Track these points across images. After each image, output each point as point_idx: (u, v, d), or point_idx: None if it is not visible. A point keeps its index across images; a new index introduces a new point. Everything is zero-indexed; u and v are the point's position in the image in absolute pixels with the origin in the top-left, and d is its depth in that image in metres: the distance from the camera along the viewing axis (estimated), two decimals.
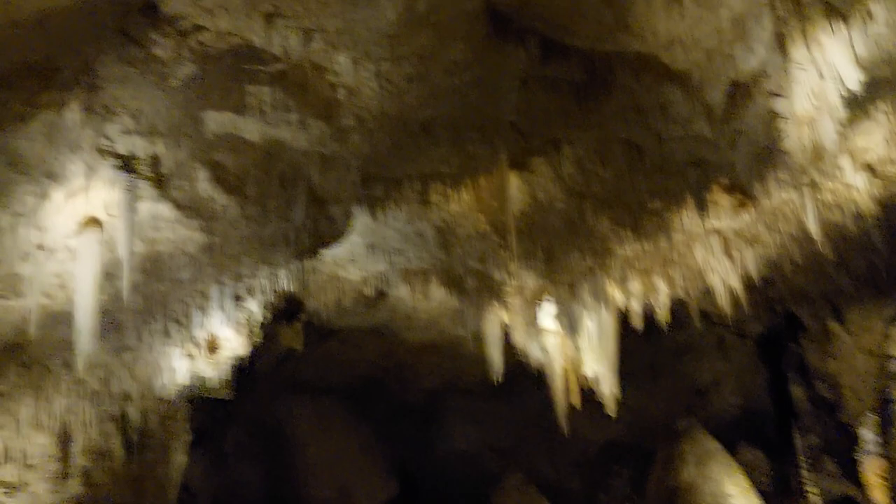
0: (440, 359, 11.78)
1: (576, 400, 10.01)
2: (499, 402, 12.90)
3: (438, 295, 9.70)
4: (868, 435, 9.82)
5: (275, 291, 7.25)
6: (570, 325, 9.64)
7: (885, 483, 7.19)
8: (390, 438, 12.80)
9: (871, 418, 8.93)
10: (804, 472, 10.44)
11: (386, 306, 10.14)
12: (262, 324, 7.80)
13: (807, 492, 10.26)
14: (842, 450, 11.98)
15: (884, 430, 7.41)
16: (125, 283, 5.56)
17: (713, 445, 5.64)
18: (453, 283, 9.27)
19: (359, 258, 8.21)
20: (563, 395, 10.04)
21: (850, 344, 12.12)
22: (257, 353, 8.42)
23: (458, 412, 13.34)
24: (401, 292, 9.47)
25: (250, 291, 6.97)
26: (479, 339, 10.12)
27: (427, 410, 13.10)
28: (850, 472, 11.36)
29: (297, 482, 11.42)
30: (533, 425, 12.81)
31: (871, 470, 9.37)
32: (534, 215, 8.14)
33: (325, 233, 6.64)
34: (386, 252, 8.19)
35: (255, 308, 7.30)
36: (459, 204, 7.56)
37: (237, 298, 6.89)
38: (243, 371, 8.51)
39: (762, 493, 12.13)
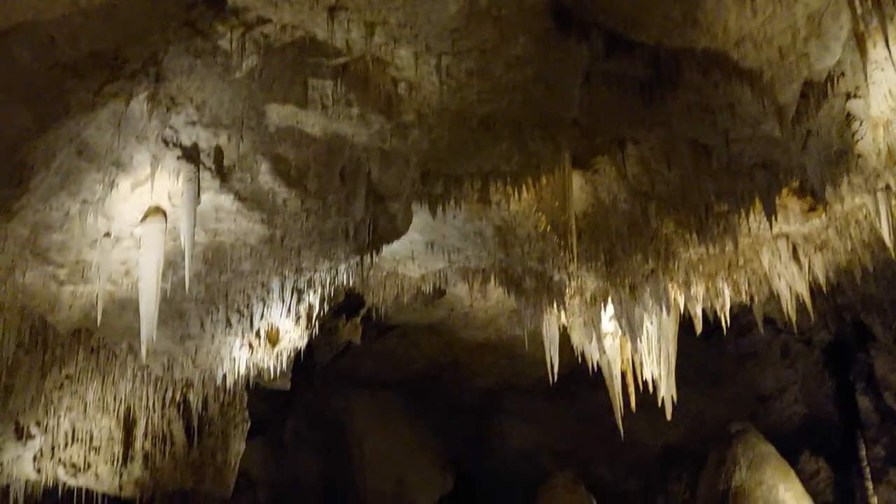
0: (497, 357, 11.76)
1: (633, 402, 9.86)
2: (556, 403, 12.80)
3: (496, 294, 9.69)
4: None
5: (334, 286, 7.30)
6: (630, 327, 9.48)
7: None
8: (447, 435, 12.82)
9: None
10: (869, 484, 10.12)
11: (444, 304, 10.16)
12: (322, 317, 7.86)
13: (870, 502, 9.94)
14: None
15: None
16: (187, 272, 5.66)
17: (767, 450, 5.47)
18: (512, 282, 9.23)
19: (418, 255, 8.23)
20: (620, 397, 9.91)
21: None
22: (317, 345, 8.51)
23: (515, 412, 13.28)
24: (459, 290, 9.48)
25: (310, 284, 7.04)
26: (536, 339, 10.04)
27: (483, 409, 13.08)
28: None
29: (353, 474, 11.52)
30: (590, 427, 12.68)
31: None
32: (596, 216, 8.04)
33: (385, 229, 6.66)
34: (445, 250, 8.18)
35: (315, 301, 7.37)
36: (520, 203, 7.50)
37: (297, 291, 6.96)
38: (302, 363, 8.61)
39: (825, 503, 11.82)
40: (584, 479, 12.82)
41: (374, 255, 6.92)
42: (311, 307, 7.34)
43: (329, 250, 6.57)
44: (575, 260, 8.32)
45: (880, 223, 8.61)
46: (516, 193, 7.00)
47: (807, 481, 12.41)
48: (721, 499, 5.27)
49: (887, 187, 8.32)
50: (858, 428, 11.91)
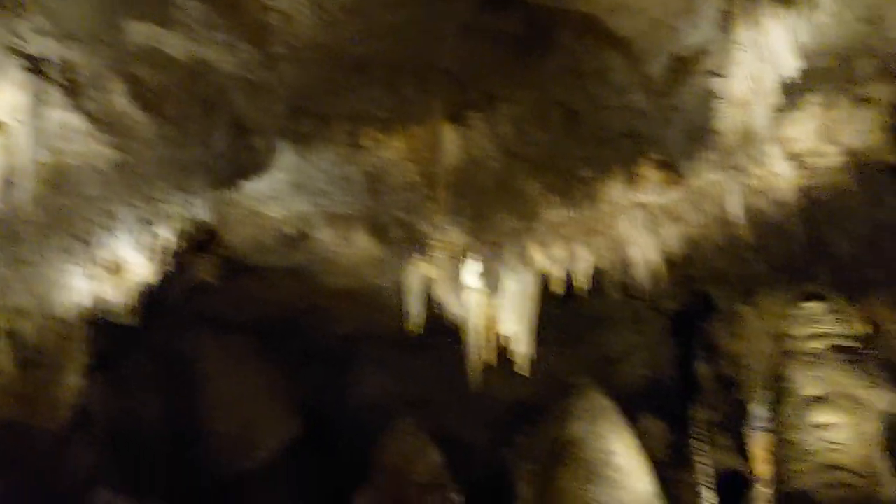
0: (357, 305, 11.65)
1: (491, 357, 10.02)
2: (414, 355, 12.87)
3: (362, 242, 9.55)
4: (758, 411, 10.15)
5: (190, 220, 6.98)
6: (492, 284, 9.59)
7: (770, 457, 7.50)
8: (301, 380, 12.68)
9: (762, 395, 9.23)
10: (697, 445, 10.77)
11: (307, 248, 9.92)
12: (174, 252, 7.51)
13: (698, 463, 10.60)
14: (735, 426, 12.46)
15: (773, 406, 7.69)
16: (25, 192, 5.26)
17: (605, 403, 5.72)
18: (378, 231, 9.14)
19: (282, 196, 7.98)
20: (477, 352, 10.05)
21: (756, 326, 12.47)
22: (167, 281, 8.14)
23: (373, 361, 13.28)
24: (323, 235, 9.29)
25: (162, 217, 6.70)
26: (399, 290, 10.00)
27: (341, 356, 13.00)
28: (741, 447, 11.86)
29: (199, 415, 11.24)
30: (447, 381, 12.83)
31: (758, 445, 9.72)
32: (465, 171, 8.00)
33: (246, 164, 6.41)
34: (311, 193, 7.98)
35: (166, 235, 7.02)
36: (391, 151, 7.38)
37: (148, 223, 6.61)
38: (151, 299, 8.22)
39: (660, 463, 12.52)
40: (435, 431, 13.04)
41: (234, 191, 6.65)
42: (161, 241, 6.98)
43: (185, 182, 6.27)
44: (442, 213, 8.33)
45: (731, 200, 9.06)
46: (388, 140, 6.88)
47: (645, 440, 13.16)
48: (557, 448, 5.47)
49: (740, 166, 8.75)
50: (696, 393, 12.59)
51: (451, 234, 9.49)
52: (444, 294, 10.01)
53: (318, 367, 12.73)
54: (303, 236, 9.29)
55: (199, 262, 9.19)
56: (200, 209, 6.86)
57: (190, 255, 8.73)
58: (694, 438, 10.94)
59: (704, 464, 10.73)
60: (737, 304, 13.38)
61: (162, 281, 7.98)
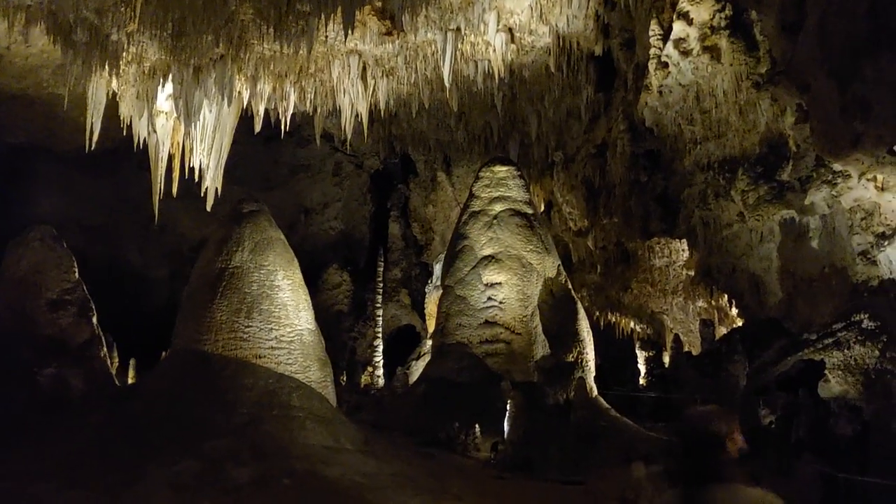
0: (32, 114, 10.31)
1: (174, 188, 9.44)
2: (95, 178, 11.85)
3: (41, 42, 8.32)
4: (437, 270, 10.73)
5: None
6: (187, 110, 8.89)
7: (440, 313, 8.00)
8: None
9: (442, 253, 9.77)
10: (379, 299, 11.19)
11: None
12: None
13: (377, 316, 11.05)
14: (418, 285, 13.19)
15: (450, 263, 8.11)
16: None
17: (275, 235, 5.50)
18: (61, 31, 7.96)
19: None
20: (162, 181, 9.40)
21: (449, 194, 13.08)
22: None
23: (48, 179, 11.98)
24: None
25: None
26: (81, 102, 8.94)
27: (11, 170, 11.55)
28: (419, 306, 12.60)
29: None
30: (128, 209, 12.03)
31: (432, 301, 10.32)
32: None
33: None
34: None
35: None
36: None
37: None
38: None
39: (339, 312, 12.93)
40: (113, 261, 12.28)
41: None
42: None
43: None
44: (137, 21, 7.47)
45: (444, 62, 9.14)
46: None
47: (329, 291, 13.46)
48: (215, 277, 5.20)
49: (458, 30, 8.80)
50: (384, 251, 13.02)
51: (147, 49, 8.60)
52: (132, 114, 9.15)
53: None
54: None
55: None
56: None
57: None
58: (377, 294, 11.34)
59: (383, 318, 11.20)
60: (436, 170, 13.89)
61: None
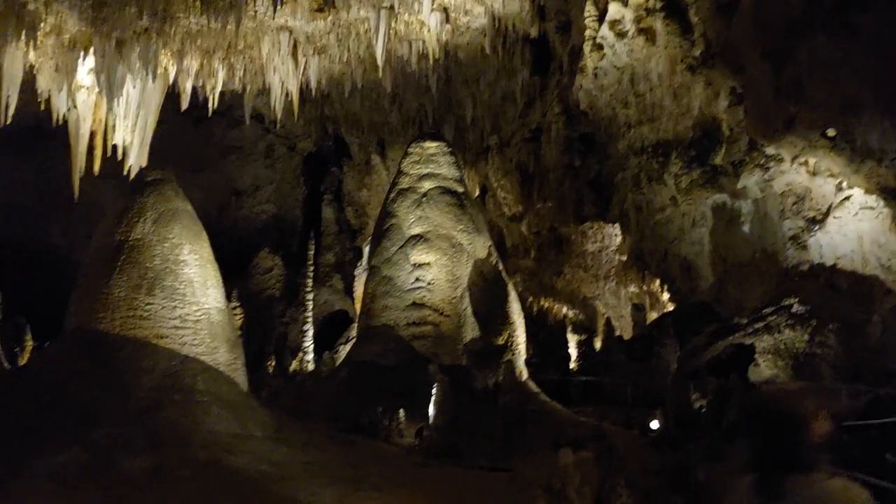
0: None
1: (96, 166, 9.04)
2: (16, 157, 11.40)
3: None
4: (366, 250, 10.49)
5: None
6: (110, 85, 8.50)
7: (367, 295, 7.77)
8: None
9: (370, 233, 9.55)
10: (310, 284, 10.92)
11: None
12: None
13: (308, 301, 10.78)
14: (352, 271, 12.94)
15: (377, 244, 7.88)
16: None
17: (182, 206, 5.11)
18: None
19: None
20: (83, 158, 8.99)
21: (385, 178, 12.82)
22: None
23: None
24: None
25: None
26: None
27: None
28: (352, 291, 12.37)
29: None
30: (51, 188, 11.53)
31: (361, 283, 10.12)
32: None
33: None
34: None
35: None
36: None
37: None
38: None
39: (271, 297, 12.61)
40: (35, 243, 11.81)
41: None
42: None
43: None
44: None
45: (376, 41, 8.88)
46: None
47: (261, 275, 13.11)
48: (113, 250, 4.83)
49: (391, 8, 8.56)
50: (317, 235, 12.74)
51: (67, 20, 8.18)
52: (51, 88, 8.71)
53: None
54: None
55: None
56: None
57: None
58: (308, 278, 11.07)
59: (314, 302, 10.93)
60: (369, 153, 13.65)
61: None
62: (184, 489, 3.50)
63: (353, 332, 9.87)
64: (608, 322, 9.29)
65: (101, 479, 3.46)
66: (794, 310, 5.10)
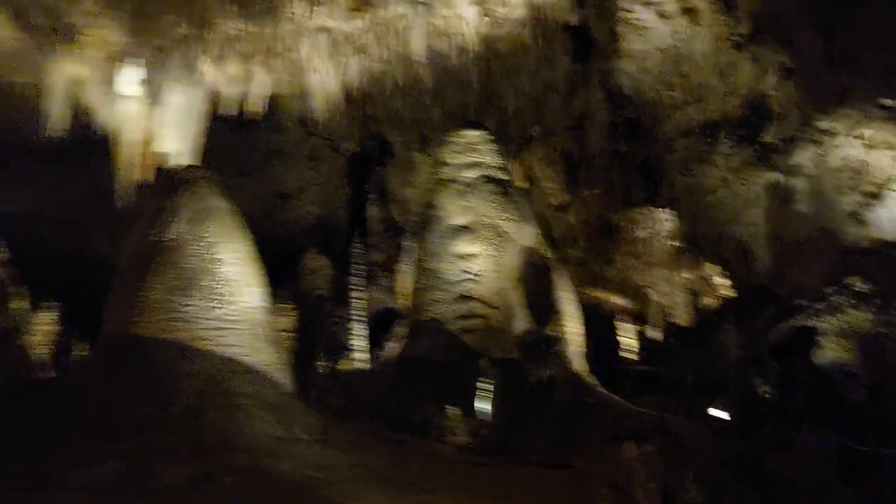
0: None
1: (148, 175, 9.14)
2: (61, 168, 11.53)
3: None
4: (408, 244, 10.45)
5: None
6: (154, 95, 8.60)
7: (413, 289, 7.69)
8: None
9: (413, 227, 9.48)
10: (357, 283, 10.94)
11: None
12: None
13: (355, 300, 10.80)
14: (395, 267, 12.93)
15: (420, 236, 7.83)
16: None
17: (218, 204, 5.04)
18: (18, 14, 7.66)
19: None
20: (130, 169, 9.10)
21: (426, 174, 12.79)
22: None
23: (13, 173, 11.66)
24: None
25: None
26: (40, 90, 8.61)
27: None
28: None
29: None
30: (97, 199, 11.70)
31: (406, 278, 10.09)
32: None
33: None
34: None
35: None
36: None
37: None
38: None
39: (319, 297, 12.67)
40: (81, 252, 12.00)
41: None
42: None
43: None
44: (96, 2, 7.15)
45: (415, 38, 8.81)
46: None
47: (309, 276, 13.20)
48: (147, 252, 4.80)
49: (428, 3, 8.52)
50: (364, 234, 12.76)
51: (108, 31, 8.29)
52: (94, 100, 8.85)
53: None
54: None
55: None
56: None
57: None
58: (355, 276, 11.08)
59: (362, 300, 10.94)
60: (412, 151, 13.64)
61: None
62: (226, 497, 3.44)
63: (400, 329, 9.87)
64: (662, 310, 9.13)
65: (138, 489, 3.40)
66: (856, 288, 4.92)
